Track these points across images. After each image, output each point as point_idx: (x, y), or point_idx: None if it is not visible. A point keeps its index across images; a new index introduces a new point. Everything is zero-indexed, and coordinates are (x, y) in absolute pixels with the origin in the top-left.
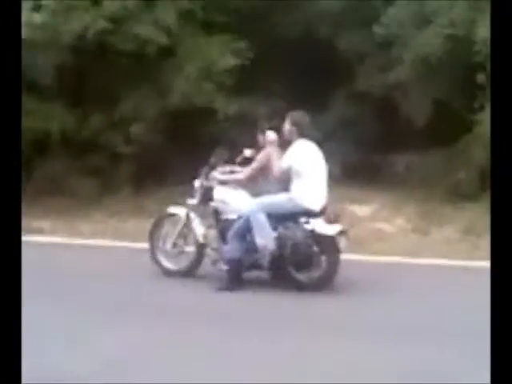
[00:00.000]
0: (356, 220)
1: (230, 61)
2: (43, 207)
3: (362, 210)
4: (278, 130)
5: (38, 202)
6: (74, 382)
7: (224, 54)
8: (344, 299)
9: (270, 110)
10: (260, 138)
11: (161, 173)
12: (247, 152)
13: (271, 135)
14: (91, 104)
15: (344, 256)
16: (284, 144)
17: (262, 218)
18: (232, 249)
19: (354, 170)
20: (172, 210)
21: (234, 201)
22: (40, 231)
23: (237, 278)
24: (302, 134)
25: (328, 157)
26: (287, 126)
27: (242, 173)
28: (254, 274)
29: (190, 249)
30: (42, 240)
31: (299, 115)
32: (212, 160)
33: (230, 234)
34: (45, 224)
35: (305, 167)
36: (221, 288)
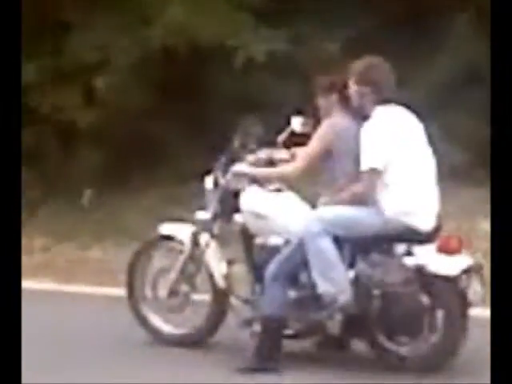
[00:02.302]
0: None
1: None
2: None
3: None
4: (341, 88)
5: None
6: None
7: None
8: None
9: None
10: (320, 99)
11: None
12: (297, 122)
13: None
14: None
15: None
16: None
17: (329, 244)
18: (272, 298)
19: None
20: (166, 229)
21: (277, 214)
22: None
23: (277, 349)
24: (383, 99)
25: (435, 137)
26: (352, 86)
27: (294, 163)
28: (311, 343)
29: (202, 298)
30: None
31: (373, 64)
32: (235, 140)
33: (270, 271)
34: None
35: (401, 155)
36: (245, 367)
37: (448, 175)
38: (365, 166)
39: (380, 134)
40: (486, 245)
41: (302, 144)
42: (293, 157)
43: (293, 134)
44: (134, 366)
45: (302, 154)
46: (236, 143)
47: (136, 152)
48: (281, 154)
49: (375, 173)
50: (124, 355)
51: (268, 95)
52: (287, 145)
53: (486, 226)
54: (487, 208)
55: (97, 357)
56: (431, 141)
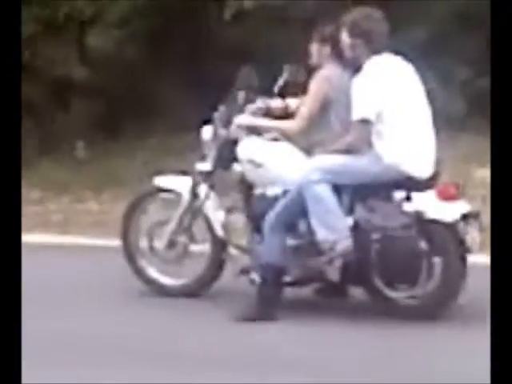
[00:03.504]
0: None
1: None
2: None
3: None
4: (336, 41)
5: None
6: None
7: None
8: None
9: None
10: (314, 48)
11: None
12: (290, 71)
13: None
14: None
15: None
16: (346, 63)
17: (327, 192)
18: (270, 247)
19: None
20: (163, 182)
21: (275, 163)
22: None
23: (276, 297)
24: (376, 49)
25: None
26: (345, 38)
27: (296, 120)
28: (310, 290)
29: (201, 248)
30: None
31: (365, 15)
32: (236, 90)
33: (269, 221)
34: None
35: (395, 104)
36: (244, 316)
37: (445, 123)
38: (355, 116)
39: (371, 84)
40: (482, 192)
41: (296, 93)
42: (287, 106)
43: (286, 83)
44: (131, 316)
45: (302, 111)
46: (237, 94)
47: (131, 104)
48: (276, 103)
49: (366, 123)
50: (121, 306)
51: (260, 45)
52: (281, 93)
53: (482, 173)
54: (483, 156)
55: (94, 308)
56: (428, 89)
